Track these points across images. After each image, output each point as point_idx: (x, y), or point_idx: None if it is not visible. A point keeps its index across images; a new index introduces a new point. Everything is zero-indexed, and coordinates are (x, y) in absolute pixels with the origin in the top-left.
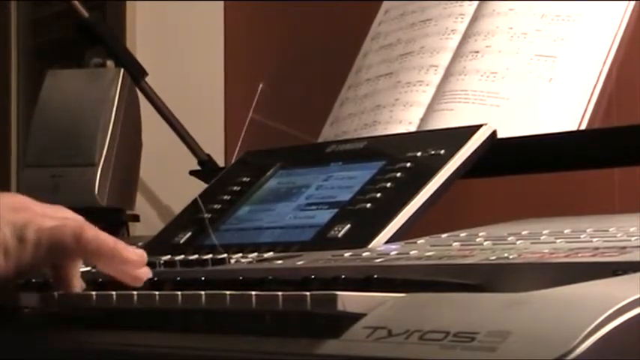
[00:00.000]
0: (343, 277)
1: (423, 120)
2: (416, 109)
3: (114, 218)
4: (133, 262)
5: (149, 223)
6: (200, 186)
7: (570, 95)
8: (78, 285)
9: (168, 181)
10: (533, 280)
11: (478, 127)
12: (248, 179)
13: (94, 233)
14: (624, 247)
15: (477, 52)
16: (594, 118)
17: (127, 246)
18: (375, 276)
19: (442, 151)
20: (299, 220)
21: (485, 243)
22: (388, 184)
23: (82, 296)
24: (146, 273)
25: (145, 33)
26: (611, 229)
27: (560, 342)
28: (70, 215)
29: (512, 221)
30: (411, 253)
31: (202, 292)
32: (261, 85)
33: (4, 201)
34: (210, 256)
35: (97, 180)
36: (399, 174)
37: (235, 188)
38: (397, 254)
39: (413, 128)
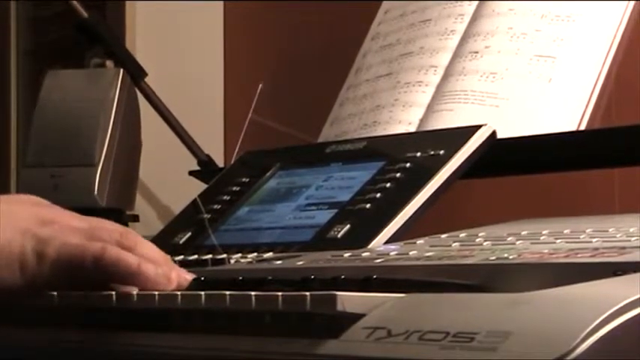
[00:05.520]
0: (343, 277)
1: (422, 120)
2: (416, 110)
3: (113, 218)
4: (158, 284)
5: (149, 223)
6: (200, 186)
7: (570, 95)
8: None
9: (168, 181)
10: (533, 280)
11: (478, 127)
12: (248, 179)
13: (116, 255)
14: (624, 248)
15: (477, 52)
16: (594, 118)
17: (156, 265)
18: (375, 276)
19: (442, 152)
20: (299, 221)
21: (485, 243)
22: (388, 185)
23: (82, 296)
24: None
25: (145, 33)
26: (610, 230)
27: (560, 342)
28: (103, 227)
29: (512, 221)
30: (411, 253)
31: (202, 292)
32: (261, 85)
33: (32, 210)
34: (209, 256)
35: (96, 180)
36: (398, 174)
37: (235, 188)
38: (397, 254)
39: (413, 128)
